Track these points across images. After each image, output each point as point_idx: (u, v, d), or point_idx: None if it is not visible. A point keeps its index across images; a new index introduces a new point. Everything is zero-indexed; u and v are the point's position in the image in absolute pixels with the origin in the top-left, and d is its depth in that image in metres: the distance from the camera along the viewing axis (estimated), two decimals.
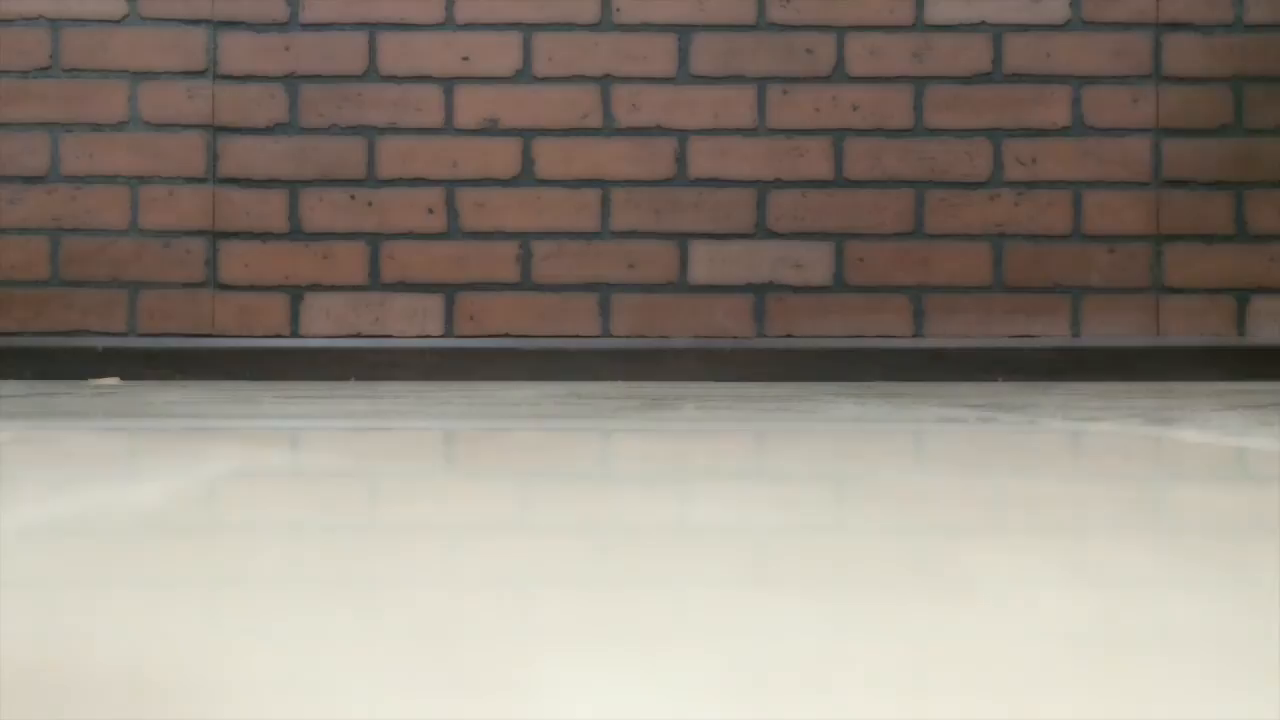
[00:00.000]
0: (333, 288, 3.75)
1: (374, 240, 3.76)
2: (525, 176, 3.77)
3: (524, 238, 3.77)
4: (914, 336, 3.78)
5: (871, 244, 3.78)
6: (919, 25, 3.78)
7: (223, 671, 0.54)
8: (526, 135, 3.78)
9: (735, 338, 3.77)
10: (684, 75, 3.78)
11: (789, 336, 3.77)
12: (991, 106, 3.79)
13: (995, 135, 3.78)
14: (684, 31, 3.79)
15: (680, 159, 3.78)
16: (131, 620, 0.64)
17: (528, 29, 3.78)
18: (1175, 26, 3.80)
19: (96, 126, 3.74)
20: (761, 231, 3.77)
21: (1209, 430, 1.79)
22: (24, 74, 3.74)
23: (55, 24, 3.75)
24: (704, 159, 3.78)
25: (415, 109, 3.77)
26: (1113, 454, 1.54)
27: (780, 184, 3.80)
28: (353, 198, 3.76)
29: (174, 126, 3.73)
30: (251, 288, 3.75)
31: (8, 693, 0.49)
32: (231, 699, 0.50)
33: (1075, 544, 0.89)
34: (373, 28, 3.77)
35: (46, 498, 1.14)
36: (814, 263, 3.79)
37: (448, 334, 3.77)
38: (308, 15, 3.77)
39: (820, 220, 3.78)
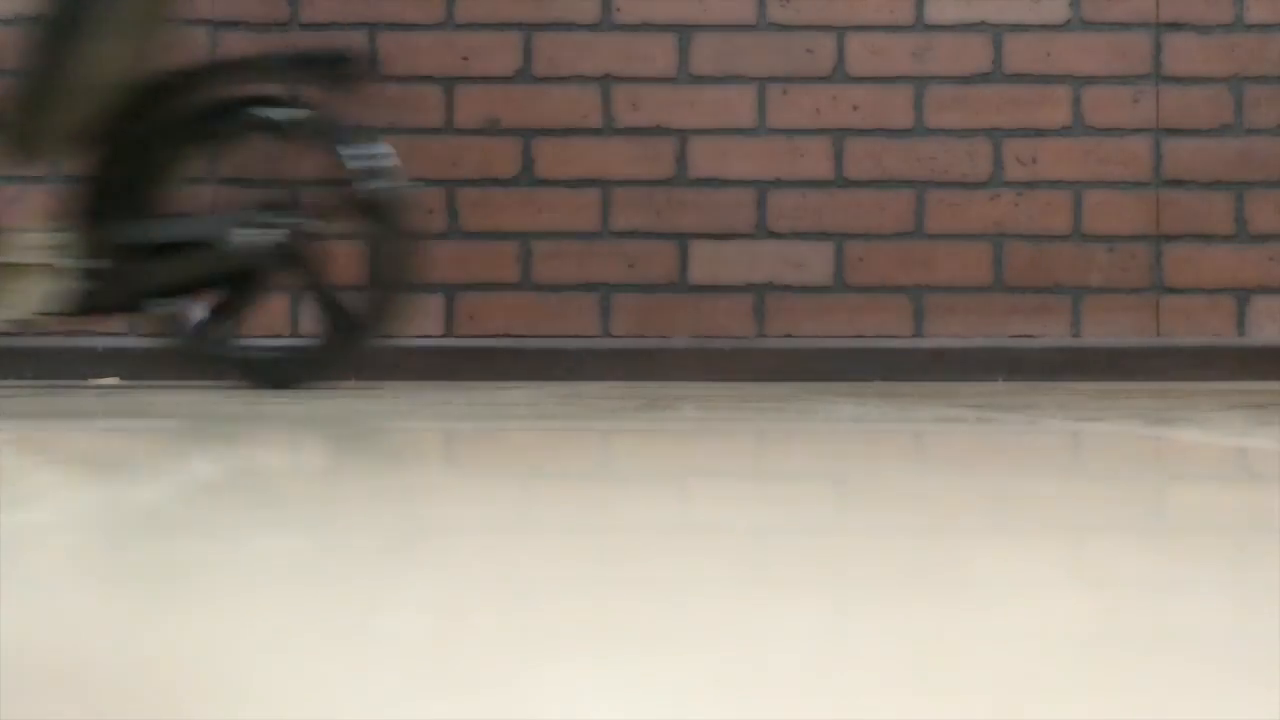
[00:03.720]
0: None
1: None
2: (525, 176, 3.77)
3: (524, 238, 3.77)
4: (914, 336, 3.79)
5: (871, 244, 3.78)
6: (919, 25, 3.78)
7: (222, 671, 0.54)
8: (526, 135, 3.78)
9: (735, 337, 3.77)
10: (684, 75, 3.78)
11: (789, 336, 3.77)
12: (992, 106, 3.79)
13: (995, 135, 3.78)
14: (684, 31, 3.79)
15: (680, 159, 3.78)
16: (132, 619, 0.64)
17: (528, 29, 3.78)
18: (1175, 26, 3.80)
19: None
20: (761, 231, 3.77)
21: (1210, 430, 1.79)
22: None
23: None
24: (704, 159, 3.78)
25: (415, 109, 3.76)
26: (1113, 454, 1.54)
27: (780, 184, 3.80)
28: None
29: None
30: None
31: (9, 691, 0.49)
32: (229, 699, 0.50)
33: (1076, 543, 0.89)
34: (372, 27, 3.77)
35: (47, 497, 1.14)
36: (814, 262, 3.79)
37: (448, 334, 3.76)
38: (307, 15, 3.77)
39: (820, 220, 3.78)
